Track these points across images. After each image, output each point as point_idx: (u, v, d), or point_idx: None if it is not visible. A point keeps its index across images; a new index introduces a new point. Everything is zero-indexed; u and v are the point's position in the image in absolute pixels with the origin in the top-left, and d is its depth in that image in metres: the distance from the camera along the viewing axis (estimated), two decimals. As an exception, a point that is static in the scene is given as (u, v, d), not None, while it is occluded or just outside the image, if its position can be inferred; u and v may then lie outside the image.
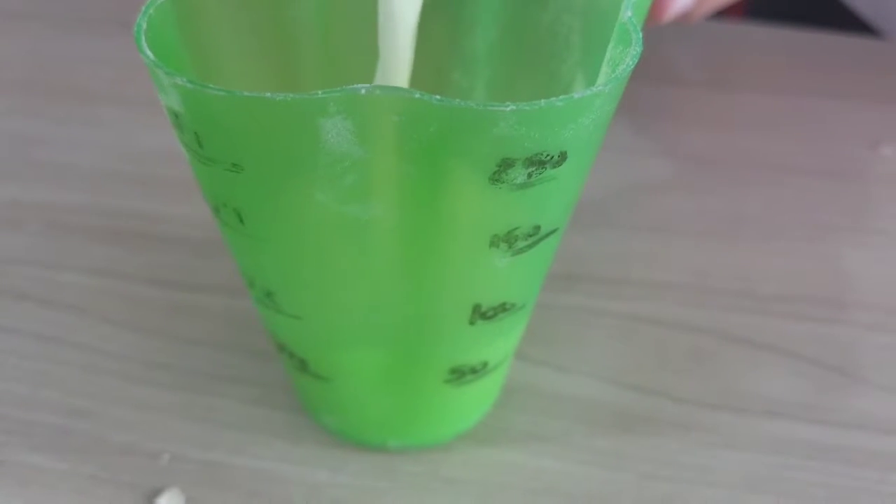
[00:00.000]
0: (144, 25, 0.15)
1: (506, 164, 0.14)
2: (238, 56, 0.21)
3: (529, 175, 0.15)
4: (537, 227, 0.16)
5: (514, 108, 0.13)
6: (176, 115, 0.15)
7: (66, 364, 0.26)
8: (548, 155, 0.14)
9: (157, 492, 0.23)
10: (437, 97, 0.14)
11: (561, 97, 0.14)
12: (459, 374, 0.20)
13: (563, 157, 0.15)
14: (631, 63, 0.15)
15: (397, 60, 0.20)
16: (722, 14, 0.52)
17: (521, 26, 0.22)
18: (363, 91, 0.14)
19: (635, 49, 0.15)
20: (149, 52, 0.15)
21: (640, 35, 0.15)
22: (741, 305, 0.29)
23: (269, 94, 0.14)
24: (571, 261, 0.30)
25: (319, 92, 0.14)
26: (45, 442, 0.24)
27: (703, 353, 0.27)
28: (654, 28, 0.30)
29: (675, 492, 0.23)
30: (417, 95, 0.14)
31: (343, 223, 0.16)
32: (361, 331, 0.19)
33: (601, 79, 0.17)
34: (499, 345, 0.21)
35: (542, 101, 0.14)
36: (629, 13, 0.16)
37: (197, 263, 0.29)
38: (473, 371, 0.21)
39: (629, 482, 0.23)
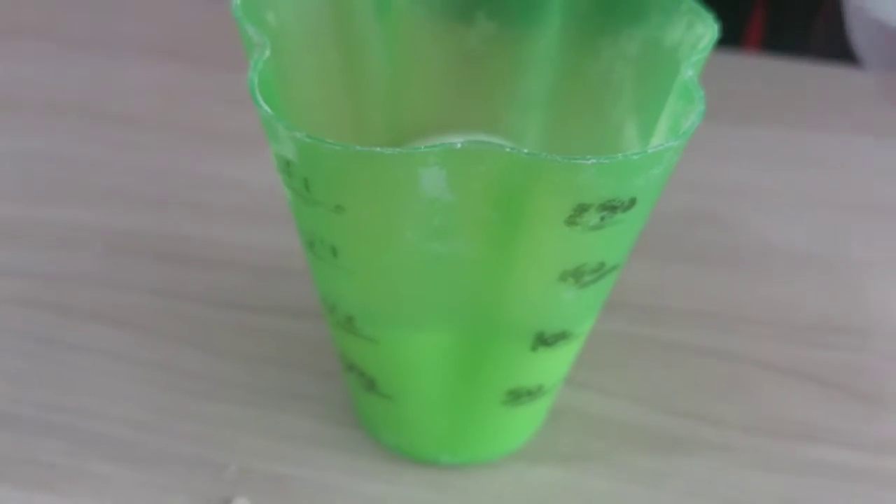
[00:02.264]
0: (256, 80, 0.17)
1: (581, 209, 0.16)
2: (316, 94, 0.23)
3: (602, 218, 0.16)
4: (602, 264, 0.18)
5: (595, 161, 0.15)
6: (287, 163, 0.17)
7: (136, 381, 0.28)
8: (619, 201, 0.16)
9: (226, 501, 0.24)
10: (526, 151, 0.15)
11: (636, 152, 0.15)
12: (516, 397, 0.22)
13: (632, 202, 0.16)
14: (697, 120, 0.16)
15: None
16: (738, 47, 0.54)
17: (575, 73, 0.23)
18: (458, 145, 0.15)
19: (699, 107, 0.17)
20: (265, 107, 0.16)
21: (703, 94, 0.17)
22: (774, 334, 0.30)
23: (378, 149, 0.15)
24: (613, 289, 0.31)
25: (422, 147, 0.15)
26: (118, 453, 0.25)
27: (738, 379, 0.29)
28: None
29: (713, 510, 0.25)
30: (508, 149, 0.15)
31: (427, 258, 0.17)
32: (430, 354, 0.20)
33: (660, 128, 0.19)
34: (555, 370, 0.22)
35: (620, 154, 0.15)
36: (690, 72, 0.17)
37: (256, 286, 0.31)
38: (529, 394, 0.22)
39: (671, 501, 0.25)
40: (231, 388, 0.27)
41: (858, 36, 0.46)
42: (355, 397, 0.25)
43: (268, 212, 0.35)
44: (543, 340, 0.20)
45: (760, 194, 0.37)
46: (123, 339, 0.29)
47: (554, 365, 0.22)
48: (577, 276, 0.18)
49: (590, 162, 0.15)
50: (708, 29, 0.20)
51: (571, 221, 0.16)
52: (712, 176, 0.38)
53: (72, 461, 0.25)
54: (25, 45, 0.45)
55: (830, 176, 0.38)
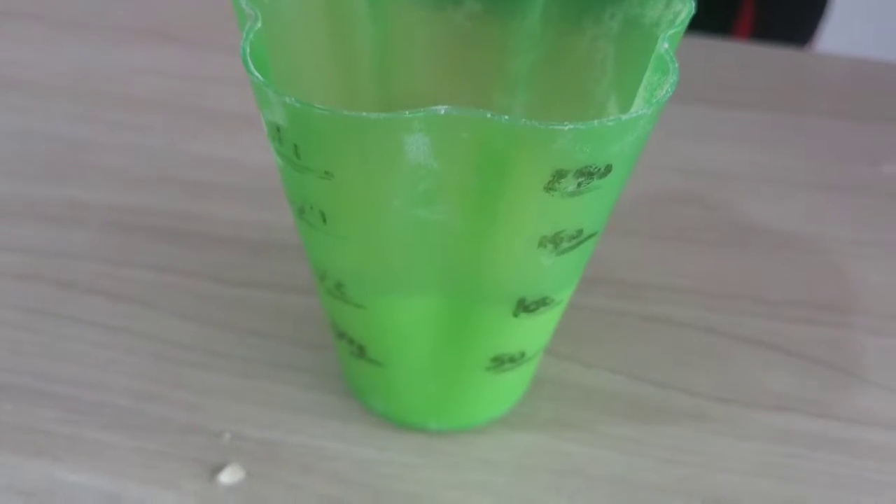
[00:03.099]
0: (248, 48, 0.18)
1: (559, 175, 0.17)
2: (307, 71, 0.24)
3: (579, 185, 0.17)
4: (580, 230, 0.19)
5: (572, 127, 0.16)
6: (277, 129, 0.18)
7: (134, 352, 0.28)
8: (596, 167, 0.17)
9: (219, 467, 0.25)
10: (506, 117, 0.16)
11: (610, 118, 0.16)
12: (499, 363, 0.23)
13: (608, 169, 0.17)
14: (670, 90, 0.17)
15: None
16: (729, 35, 0.55)
17: (559, 51, 0.24)
18: (442, 111, 0.16)
19: (672, 78, 0.17)
20: (256, 74, 0.17)
21: (677, 65, 0.18)
22: (752, 309, 0.31)
23: (364, 114, 0.16)
24: (595, 265, 0.32)
25: (406, 112, 0.16)
26: (115, 421, 0.26)
27: (716, 351, 0.30)
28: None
29: (690, 475, 0.25)
30: (489, 115, 0.16)
31: (413, 224, 0.18)
32: (417, 320, 0.21)
33: (637, 101, 0.20)
34: (536, 336, 0.23)
35: (595, 121, 0.16)
36: (666, 45, 0.18)
37: (251, 262, 0.32)
38: (512, 360, 0.23)
39: (648, 467, 0.26)
40: (225, 359, 0.28)
41: None
42: (346, 365, 0.26)
43: (261, 190, 0.35)
44: (525, 307, 0.21)
45: (740, 175, 0.38)
46: (121, 312, 0.30)
47: (535, 331, 0.23)
48: (555, 241, 0.19)
49: (567, 128, 0.16)
50: (685, 5, 0.20)
51: (550, 187, 0.17)
52: (694, 157, 0.39)
53: (70, 429, 0.26)
54: (21, 26, 0.46)
55: (809, 158, 0.39)
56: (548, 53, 0.24)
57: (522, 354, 0.23)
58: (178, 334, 0.29)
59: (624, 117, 0.16)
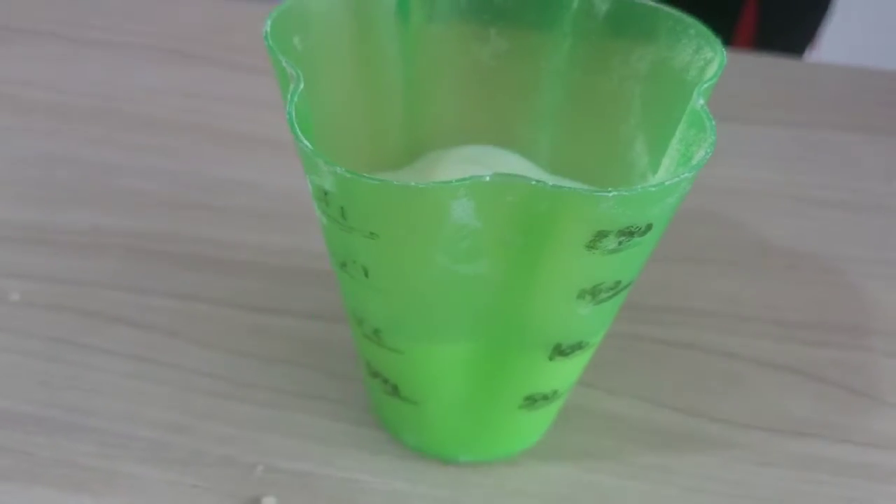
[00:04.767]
0: (294, 113, 0.18)
1: (601, 235, 0.17)
2: (338, 114, 0.24)
3: (620, 243, 0.17)
4: (618, 282, 0.19)
5: (616, 193, 0.16)
6: (325, 193, 0.18)
7: (162, 383, 0.29)
8: (637, 227, 0.17)
9: (254, 500, 0.25)
10: (550, 183, 0.16)
11: (653, 184, 0.17)
12: (532, 401, 0.23)
13: (648, 227, 0.18)
14: (710, 151, 0.18)
15: None
16: (730, 39, 0.55)
17: (585, 89, 0.24)
18: (487, 178, 0.16)
19: (710, 138, 0.18)
20: (305, 142, 0.17)
21: (714, 124, 0.18)
22: (770, 332, 0.32)
23: (413, 184, 0.16)
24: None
25: (453, 181, 0.16)
26: (148, 455, 0.27)
27: (736, 376, 0.30)
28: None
29: (717, 502, 0.26)
30: (533, 182, 0.16)
31: (454, 278, 0.18)
32: (453, 364, 0.22)
33: (671, 153, 0.20)
34: (569, 376, 0.23)
35: (639, 187, 0.16)
36: (701, 101, 0.18)
37: (276, 289, 0.32)
38: (545, 398, 0.23)
39: (676, 496, 0.26)
40: (253, 389, 0.29)
41: None
42: (378, 401, 0.26)
43: (283, 215, 0.36)
44: (560, 351, 0.21)
45: (754, 193, 0.38)
46: (148, 342, 0.30)
47: (569, 372, 0.23)
48: (594, 293, 0.19)
49: (611, 194, 0.16)
50: (717, 54, 0.21)
51: (591, 246, 0.17)
52: (711, 175, 0.39)
53: (104, 463, 0.26)
54: (38, 45, 0.46)
55: (822, 173, 0.39)
56: (574, 91, 0.25)
57: (555, 392, 0.23)
58: (204, 364, 0.29)
59: (667, 182, 0.17)
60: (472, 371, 0.22)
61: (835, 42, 0.68)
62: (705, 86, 0.19)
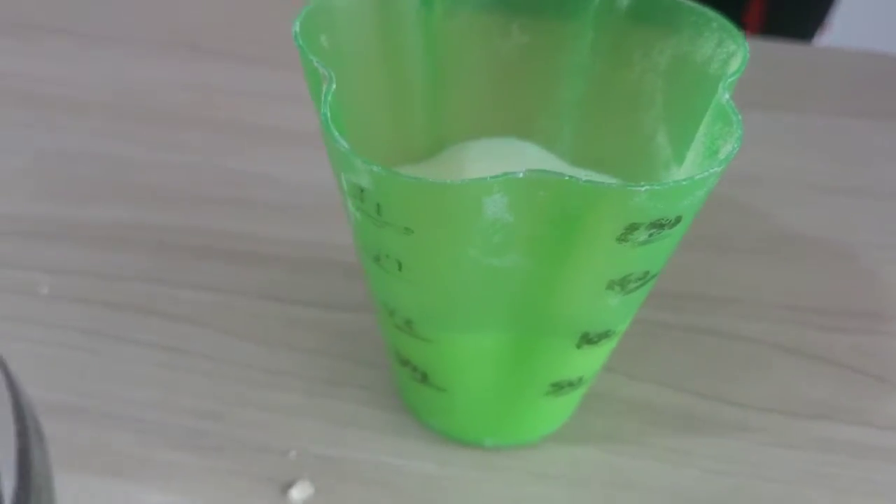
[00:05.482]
0: (329, 113, 0.18)
1: (632, 228, 0.18)
2: (364, 108, 0.24)
3: (650, 235, 0.18)
4: (647, 272, 0.20)
5: (648, 187, 0.17)
6: (361, 190, 0.18)
7: (194, 372, 0.29)
8: (667, 220, 0.18)
9: (289, 484, 0.26)
10: (583, 179, 0.17)
11: (684, 178, 0.17)
12: (559, 388, 0.24)
13: (678, 220, 0.18)
14: (737, 146, 0.18)
15: None
16: (739, 25, 0.55)
17: (607, 82, 0.25)
18: (521, 175, 0.17)
19: (737, 132, 0.18)
20: (342, 142, 0.18)
21: (740, 118, 0.18)
22: (788, 318, 0.32)
23: (447, 181, 0.17)
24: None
25: (487, 178, 0.17)
26: (184, 442, 0.27)
27: (755, 361, 0.31)
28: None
29: (737, 485, 0.27)
30: (566, 177, 0.17)
31: (486, 271, 0.19)
32: (483, 352, 0.22)
33: (696, 146, 0.20)
34: (595, 363, 0.24)
35: (671, 181, 0.17)
36: (727, 96, 0.19)
37: (298, 280, 0.33)
38: (570, 385, 0.24)
39: (698, 477, 0.27)
40: (282, 376, 0.29)
41: None
42: (406, 388, 0.27)
43: (301, 207, 0.36)
44: (588, 339, 0.22)
45: (770, 180, 0.39)
46: (178, 332, 0.31)
47: (595, 359, 0.24)
48: (623, 284, 0.19)
49: (643, 189, 0.17)
50: (739, 48, 0.21)
51: (622, 239, 0.18)
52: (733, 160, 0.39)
53: (141, 450, 0.27)
54: (53, 42, 0.46)
55: (835, 160, 0.40)
56: (596, 84, 0.25)
57: (580, 379, 0.24)
58: (235, 354, 0.30)
59: (697, 176, 0.17)
60: (501, 359, 0.22)
61: (845, 25, 0.68)
62: (730, 80, 0.20)
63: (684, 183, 0.17)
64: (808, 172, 0.39)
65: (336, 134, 0.18)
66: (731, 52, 0.21)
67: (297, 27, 0.21)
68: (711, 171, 0.18)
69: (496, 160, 0.27)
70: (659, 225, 0.18)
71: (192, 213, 0.36)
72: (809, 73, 0.46)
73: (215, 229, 0.35)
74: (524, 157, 0.27)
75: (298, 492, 0.26)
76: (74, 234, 0.35)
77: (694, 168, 0.20)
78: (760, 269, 0.34)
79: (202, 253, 0.34)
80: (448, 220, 0.18)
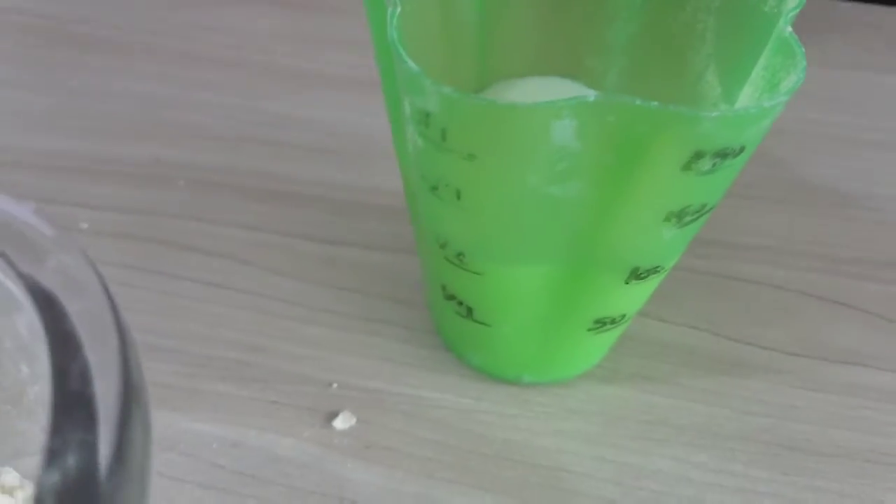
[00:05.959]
0: (396, 36, 0.19)
1: (697, 156, 0.18)
2: (418, 47, 0.25)
3: (713, 164, 0.18)
4: (704, 205, 0.20)
5: (718, 113, 0.17)
6: (426, 115, 0.19)
7: (238, 307, 0.30)
8: (731, 149, 0.18)
9: (332, 414, 0.27)
10: (654, 103, 0.17)
11: (753, 106, 0.17)
12: (601, 324, 0.24)
13: (741, 149, 0.18)
14: (801, 77, 0.18)
15: None
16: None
17: (658, 21, 0.25)
18: (591, 98, 0.17)
19: (801, 63, 0.18)
20: (412, 64, 0.18)
21: (803, 50, 0.19)
22: (818, 266, 0.33)
23: (518, 103, 0.17)
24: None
25: (558, 100, 0.17)
26: (228, 374, 0.28)
27: (784, 307, 0.31)
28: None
29: (767, 425, 0.27)
30: (638, 102, 0.17)
31: (545, 200, 0.19)
32: (531, 286, 0.23)
33: (754, 81, 0.21)
34: (639, 300, 0.25)
35: (741, 108, 0.17)
36: (789, 29, 0.19)
37: (339, 221, 0.33)
38: (613, 321, 0.24)
39: (728, 416, 0.27)
40: (325, 314, 0.30)
41: None
42: (448, 323, 0.27)
43: (337, 150, 0.37)
44: (637, 275, 0.22)
45: (800, 133, 0.39)
46: (219, 268, 0.31)
47: (639, 296, 0.24)
48: (679, 216, 0.20)
49: (713, 115, 0.17)
50: None
51: (687, 167, 0.18)
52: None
53: (186, 381, 0.28)
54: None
55: (865, 114, 0.40)
56: (646, 22, 0.25)
57: (623, 316, 0.25)
58: (276, 290, 0.31)
59: (766, 104, 0.17)
60: (548, 294, 0.23)
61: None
62: (791, 14, 0.20)
63: (752, 111, 0.17)
64: (835, 126, 0.39)
65: (404, 54, 0.18)
66: None
67: None
68: (778, 100, 0.18)
69: (543, 97, 0.27)
70: (723, 154, 0.18)
71: (231, 154, 0.36)
72: (835, 27, 0.45)
73: (254, 170, 0.36)
74: (565, 93, 0.27)
75: (341, 421, 0.27)
76: (112, 172, 0.35)
77: (752, 101, 0.21)
78: (788, 218, 0.35)
79: (241, 193, 0.35)
80: (514, 144, 0.18)
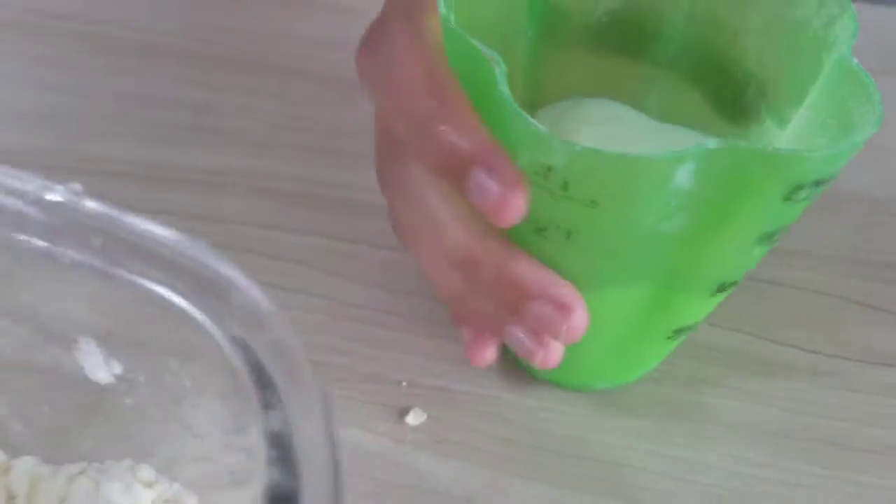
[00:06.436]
0: (507, 93, 0.19)
1: (798, 188, 0.20)
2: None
3: (810, 192, 0.20)
4: (788, 224, 0.22)
5: (822, 154, 0.19)
6: (548, 169, 0.19)
7: (310, 310, 0.32)
8: (825, 179, 0.20)
9: (404, 410, 0.29)
10: (771, 147, 0.19)
11: (847, 142, 0.19)
12: (679, 333, 0.26)
13: (831, 177, 0.20)
14: (879, 112, 0.20)
15: None
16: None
17: (699, 42, 0.26)
18: (712, 145, 0.19)
19: (875, 96, 0.20)
20: (538, 126, 0.19)
21: (874, 82, 0.20)
22: (856, 272, 0.34)
23: (645, 155, 0.19)
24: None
25: (685, 149, 0.19)
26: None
27: (824, 312, 0.33)
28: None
29: (810, 423, 0.29)
30: (755, 147, 0.19)
31: (654, 234, 0.21)
32: (618, 308, 0.24)
33: (817, 105, 0.22)
34: (714, 307, 0.26)
35: (839, 146, 0.19)
36: (855, 61, 0.21)
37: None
38: (690, 329, 0.26)
39: (774, 415, 0.29)
40: (391, 317, 0.32)
41: None
42: None
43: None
44: (722, 288, 0.23)
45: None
46: (287, 273, 0.33)
47: (715, 305, 0.25)
48: (771, 236, 0.21)
49: (818, 155, 0.19)
50: (844, 11, 0.22)
51: (787, 197, 0.20)
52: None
53: (265, 377, 0.30)
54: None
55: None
56: (688, 46, 0.26)
57: (696, 324, 0.26)
58: (344, 294, 0.32)
59: (857, 139, 0.19)
60: (634, 313, 0.24)
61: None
62: (849, 43, 0.21)
63: (846, 147, 0.19)
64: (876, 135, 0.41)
65: (529, 118, 0.19)
66: (834, 14, 0.23)
67: (443, 8, 0.21)
68: (867, 134, 0.20)
69: (598, 122, 0.28)
70: (818, 183, 0.20)
71: (281, 160, 0.37)
72: (867, 32, 0.47)
73: (306, 177, 0.37)
74: (622, 119, 0.29)
75: (413, 418, 0.28)
76: (170, 178, 0.36)
77: (820, 126, 0.22)
78: (825, 224, 0.36)
79: (301, 200, 0.36)
80: (638, 191, 0.19)
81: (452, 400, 0.29)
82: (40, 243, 0.18)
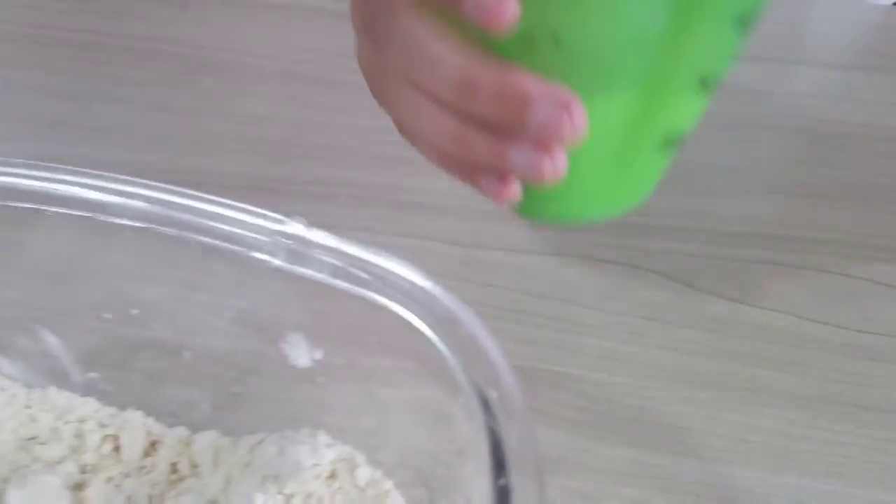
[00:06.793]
0: None
1: None
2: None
3: None
4: (760, 10, 0.23)
5: None
6: None
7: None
8: None
9: (494, 388, 0.34)
10: None
11: None
12: (668, 143, 0.26)
13: None
14: None
15: None
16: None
17: None
18: None
19: None
20: None
21: None
22: (883, 256, 0.39)
23: None
24: (744, 222, 0.40)
25: None
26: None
27: (853, 293, 0.37)
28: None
29: (845, 390, 0.34)
30: None
31: (636, 33, 0.22)
32: (613, 114, 0.25)
33: None
34: (697, 116, 0.26)
35: None
36: None
37: (473, 228, 0.40)
38: (677, 139, 0.26)
39: (811, 383, 0.34)
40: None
41: None
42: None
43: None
44: (704, 85, 0.25)
45: (854, 136, 0.44)
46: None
47: (699, 111, 0.26)
48: (743, 20, 0.23)
49: None
50: None
51: None
52: (811, 118, 0.45)
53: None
54: (215, 12, 0.51)
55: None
56: None
57: (681, 137, 0.27)
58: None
59: None
60: (623, 119, 0.25)
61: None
62: None
63: None
64: (889, 129, 0.45)
65: None
66: None
67: None
68: None
69: None
70: None
71: (374, 171, 0.42)
72: (885, 32, 0.51)
73: (394, 185, 0.42)
74: None
75: (503, 393, 0.33)
76: (277, 189, 0.41)
77: None
78: (851, 213, 0.41)
79: (390, 205, 0.41)
80: None
81: (535, 377, 0.34)
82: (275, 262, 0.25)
